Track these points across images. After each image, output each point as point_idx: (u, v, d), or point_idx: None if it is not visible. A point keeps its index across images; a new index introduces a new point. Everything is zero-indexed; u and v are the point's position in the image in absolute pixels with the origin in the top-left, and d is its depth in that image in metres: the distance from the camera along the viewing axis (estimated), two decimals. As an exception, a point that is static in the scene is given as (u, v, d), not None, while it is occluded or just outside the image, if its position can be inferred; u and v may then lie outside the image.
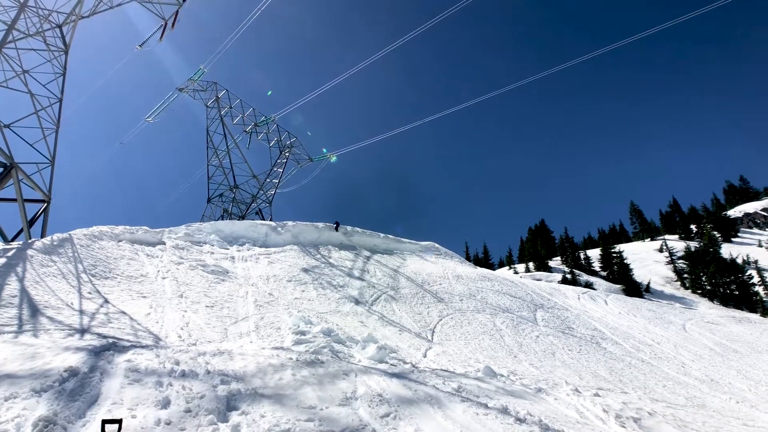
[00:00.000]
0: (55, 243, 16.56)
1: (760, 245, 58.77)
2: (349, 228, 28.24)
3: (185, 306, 14.09)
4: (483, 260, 61.13)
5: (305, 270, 20.40)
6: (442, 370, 11.49)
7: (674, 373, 17.74)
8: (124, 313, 12.55)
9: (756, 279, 44.00)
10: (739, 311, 37.53)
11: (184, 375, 7.44)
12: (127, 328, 11.30)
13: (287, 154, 40.23)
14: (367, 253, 25.76)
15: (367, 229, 29.35)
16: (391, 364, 10.86)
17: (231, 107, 40.48)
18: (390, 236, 29.66)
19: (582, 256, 51.18)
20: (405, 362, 11.91)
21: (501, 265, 61.74)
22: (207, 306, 14.40)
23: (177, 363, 7.99)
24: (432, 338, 15.86)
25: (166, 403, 6.32)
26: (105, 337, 9.93)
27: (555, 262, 51.46)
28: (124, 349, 8.67)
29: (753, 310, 37.92)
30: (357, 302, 17.98)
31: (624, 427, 9.59)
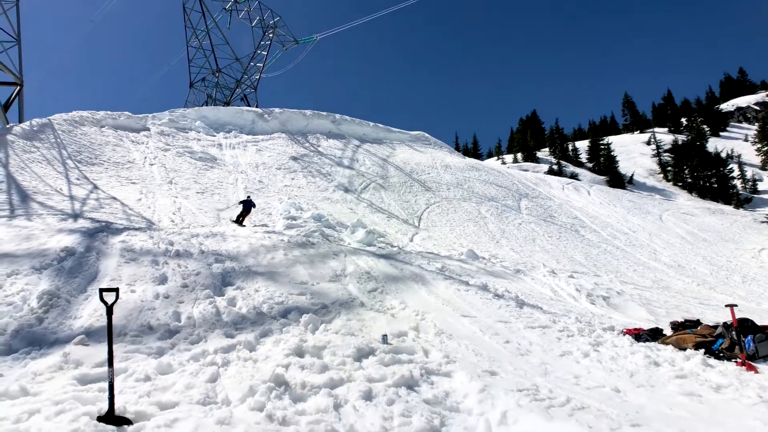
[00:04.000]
0: (35, 128, 16.07)
1: (746, 140, 58.92)
2: (338, 116, 27.63)
3: (176, 192, 14.15)
4: (472, 151, 61.11)
5: (294, 158, 20.29)
6: (427, 252, 12.00)
7: (645, 259, 18.73)
8: (115, 198, 12.61)
9: (736, 173, 44.83)
10: (715, 203, 38.75)
11: (178, 254, 7.69)
12: (120, 213, 11.44)
13: (271, 35, 37.81)
14: (357, 142, 25.50)
15: (357, 118, 28.77)
16: (379, 247, 11.28)
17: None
18: (380, 125, 29.16)
19: (570, 147, 51.19)
20: (392, 245, 12.37)
21: (490, 155, 61.81)
22: (197, 192, 14.48)
23: (171, 244, 8.22)
24: (419, 225, 16.33)
25: (163, 280, 6.59)
26: (98, 221, 10.07)
27: (543, 153, 51.58)
28: (118, 231, 8.85)
29: (728, 202, 39.12)
30: (346, 190, 18.17)
31: (594, 304, 10.33)
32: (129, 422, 3.28)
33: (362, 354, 4.98)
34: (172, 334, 5.13)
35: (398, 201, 18.50)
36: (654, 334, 7.15)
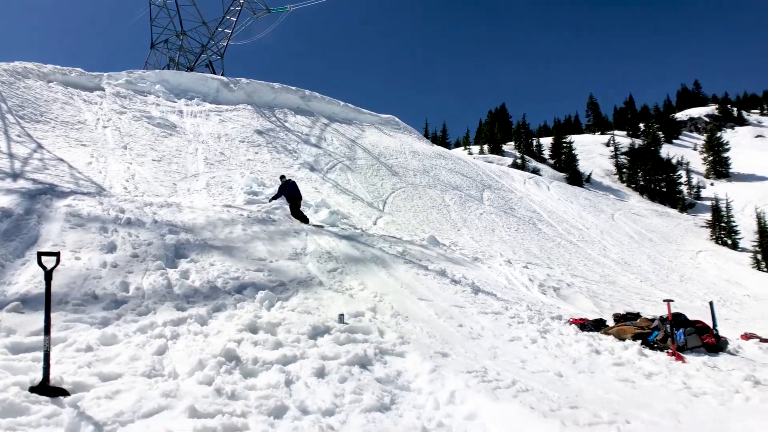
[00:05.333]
0: (-28, 77, 14.99)
1: (695, 148, 61.96)
2: (307, 92, 27.08)
3: (130, 158, 13.56)
4: (441, 139, 61.35)
5: (259, 132, 19.79)
6: (390, 236, 12.02)
7: (595, 254, 19.49)
8: (62, 160, 11.95)
9: (684, 179, 47.06)
10: (663, 206, 40.59)
11: (130, 223, 7.38)
12: (67, 176, 10.85)
13: (241, 0, 36.34)
14: (325, 121, 25.11)
15: (327, 96, 28.28)
16: (342, 228, 11.21)
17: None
18: (350, 105, 28.78)
19: (535, 143, 52.21)
20: (355, 227, 12.33)
21: (457, 145, 62.18)
22: (154, 160, 13.93)
23: (122, 211, 7.87)
24: (383, 208, 16.33)
25: (111, 248, 6.31)
26: (41, 182, 9.52)
27: (509, 147, 52.37)
28: (63, 195, 8.40)
29: (674, 206, 41.05)
30: (312, 169, 17.93)
31: (545, 294, 10.67)
32: (65, 393, 3.12)
33: (318, 332, 4.95)
34: (119, 304, 4.93)
35: (364, 183, 18.41)
36: (597, 325, 7.51)
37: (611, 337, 6.76)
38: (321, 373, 4.04)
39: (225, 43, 36.72)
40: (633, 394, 4.64)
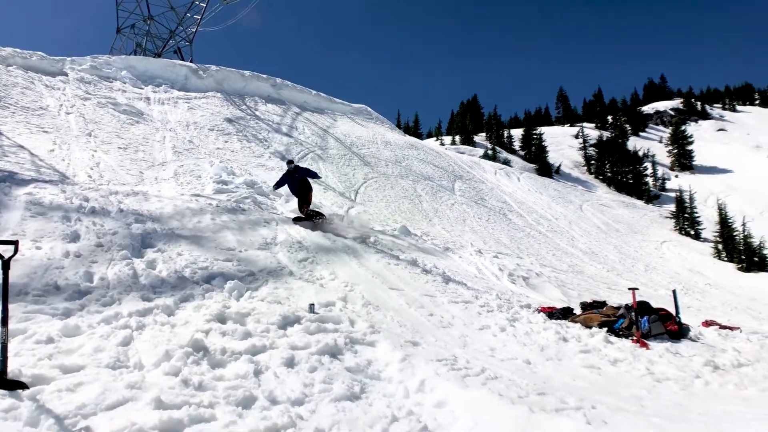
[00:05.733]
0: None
1: (660, 141, 63.86)
2: (278, 80, 26.66)
3: (95, 146, 13.12)
4: (413, 129, 61.39)
5: (229, 120, 19.41)
6: (361, 226, 12.01)
7: (564, 244, 19.94)
8: (22, 147, 11.48)
9: (649, 171, 48.49)
10: (629, 197, 41.78)
11: (94, 212, 7.16)
12: (27, 164, 10.44)
13: (211, -14, 35.36)
14: (297, 110, 24.79)
15: (299, 84, 27.91)
16: (314, 220, 11.14)
17: None
18: (322, 94, 28.48)
19: (506, 134, 52.84)
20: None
21: (429, 135, 62.36)
22: (120, 148, 13.51)
23: (86, 200, 7.63)
24: (355, 198, 16.29)
25: (75, 237, 6.12)
26: (0, 170, 9.14)
27: (480, 138, 52.87)
28: (23, 183, 8.09)
29: (640, 198, 42.31)
30: (283, 158, 17.69)
31: (514, 283, 10.88)
32: (24, 386, 3.04)
33: (287, 322, 4.93)
34: (82, 295, 4.80)
35: (336, 173, 18.31)
36: (565, 313, 7.69)
37: (578, 325, 6.94)
38: (291, 363, 4.03)
39: (194, 30, 35.78)
40: (598, 381, 4.79)
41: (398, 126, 44.82)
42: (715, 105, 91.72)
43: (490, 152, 42.97)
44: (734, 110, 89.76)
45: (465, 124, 52.30)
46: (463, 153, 39.11)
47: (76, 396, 3.05)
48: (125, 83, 19.74)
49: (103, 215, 7.13)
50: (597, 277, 15.85)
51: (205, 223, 7.91)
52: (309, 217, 9.64)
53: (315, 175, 10.27)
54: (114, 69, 20.44)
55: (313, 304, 5.47)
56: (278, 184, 10.46)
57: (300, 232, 8.81)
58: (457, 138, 50.83)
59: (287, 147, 19.11)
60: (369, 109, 30.84)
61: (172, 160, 13.63)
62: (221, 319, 4.76)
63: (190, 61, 29.28)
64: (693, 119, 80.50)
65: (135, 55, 30.77)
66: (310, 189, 9.99)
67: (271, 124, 21.24)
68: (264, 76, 26.23)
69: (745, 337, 7.45)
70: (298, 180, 9.93)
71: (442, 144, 47.18)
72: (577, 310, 8.10)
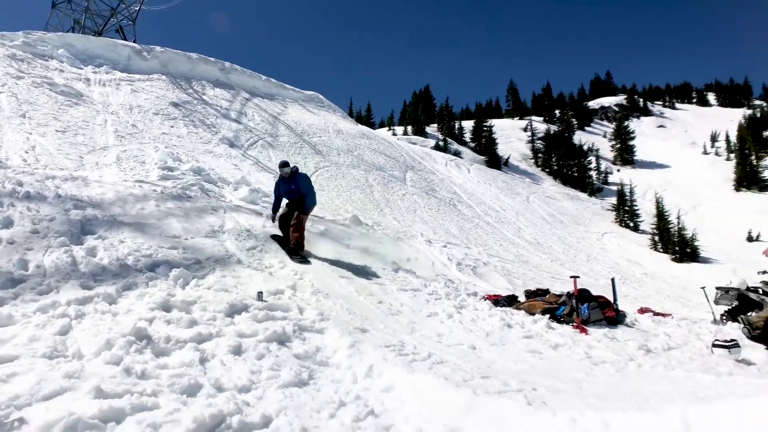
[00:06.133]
0: None
1: (604, 136, 66.88)
2: (227, 64, 25.87)
3: (30, 128, 12.33)
4: (365, 118, 61.36)
5: (175, 104, 18.70)
6: (312, 215, 11.97)
7: (511, 235, 20.62)
8: (-55, 126, 10.65)
9: (593, 165, 50.77)
10: (574, 190, 43.63)
11: (29, 197, 6.77)
12: (-48, 144, 9.71)
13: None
14: (246, 95, 24.17)
15: (248, 69, 27.20)
16: (263, 206, 10.97)
17: None
18: (272, 79, 27.89)
19: (457, 126, 53.78)
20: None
21: (382, 125, 62.54)
22: (58, 131, 12.76)
23: (20, 184, 7.20)
24: (306, 187, 16.15)
25: (7, 224, 5.78)
26: None
27: (432, 129, 53.51)
28: (-53, 165, 7.53)
29: (584, 190, 44.30)
30: (232, 145, 17.29)
31: (462, 272, 11.18)
32: (-48, 377, 2.88)
33: (235, 310, 4.89)
34: (16, 283, 4.57)
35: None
36: (510, 301, 8.00)
37: (522, 312, 7.24)
38: (238, 351, 4.02)
39: (137, 8, 34.06)
40: (540, 364, 5.04)
41: (350, 115, 44.63)
42: (656, 102, 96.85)
43: (441, 143, 43.58)
44: (674, 108, 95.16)
45: (417, 114, 52.76)
46: (414, 143, 39.47)
47: (9, 387, 2.94)
48: (62, 62, 18.60)
49: (39, 200, 6.75)
50: (542, 266, 16.50)
51: (149, 209, 7.65)
52: (293, 250, 7.48)
53: (312, 200, 7.95)
54: (50, 47, 19.21)
55: (261, 292, 5.44)
56: (276, 204, 8.24)
57: (249, 220, 8.67)
58: (409, 128, 51.22)
59: (236, 133, 18.65)
60: (321, 96, 30.52)
61: (114, 145, 13.02)
62: (166, 307, 4.66)
63: (134, 41, 27.89)
64: (635, 115, 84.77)
65: (73, 32, 28.99)
66: (305, 212, 7.85)
67: (220, 110, 20.64)
68: (212, 59, 25.41)
69: (676, 323, 7.98)
70: (295, 191, 7.90)
71: (394, 134, 47.41)
72: (522, 298, 8.44)
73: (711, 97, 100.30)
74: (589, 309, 7.09)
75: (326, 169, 18.89)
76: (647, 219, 36.69)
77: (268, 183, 14.75)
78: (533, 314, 7.11)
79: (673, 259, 29.59)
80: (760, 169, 49.77)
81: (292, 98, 27.60)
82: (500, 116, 72.71)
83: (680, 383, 4.65)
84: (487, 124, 49.73)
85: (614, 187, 44.76)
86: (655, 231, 33.36)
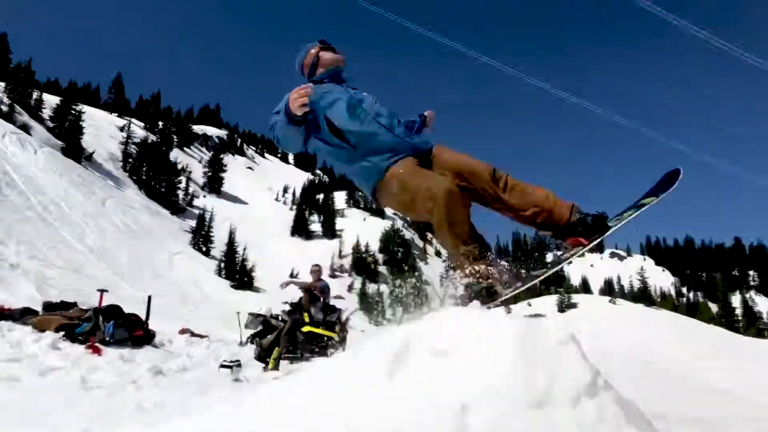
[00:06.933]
0: None
1: (200, 161, 69.91)
2: None
3: None
4: None
5: None
6: None
7: (71, 237, 17.82)
8: None
9: (183, 185, 51.19)
10: (157, 205, 41.96)
11: None
12: None
13: None
14: None
15: None
16: None
17: None
18: None
19: (36, 96, 43.76)
20: None
21: None
22: None
23: None
24: None
25: None
26: None
27: (-3, 88, 41.74)
28: None
29: (167, 207, 43.36)
30: None
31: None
32: None
33: None
34: None
35: None
36: (23, 313, 6.45)
37: (29, 328, 5.83)
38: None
39: None
40: (9, 396, 3.85)
41: None
42: (251, 146, 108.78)
43: (5, 108, 34.46)
44: (263, 156, 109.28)
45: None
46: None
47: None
48: None
49: None
50: (98, 277, 14.69)
51: None
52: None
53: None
54: None
55: None
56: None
57: None
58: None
59: None
60: None
61: None
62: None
63: None
64: (232, 152, 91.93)
65: None
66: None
67: None
68: None
69: (207, 344, 8.14)
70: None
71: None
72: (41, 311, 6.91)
73: (291, 156, 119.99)
74: (114, 327, 6.36)
75: None
76: (219, 246, 39.08)
77: None
78: (44, 331, 5.81)
79: (232, 286, 32.24)
80: (309, 223, 67.12)
81: None
82: (98, 106, 64.38)
83: (169, 405, 4.39)
84: (79, 108, 42.59)
85: (197, 211, 46.06)
86: (223, 258, 35.79)
